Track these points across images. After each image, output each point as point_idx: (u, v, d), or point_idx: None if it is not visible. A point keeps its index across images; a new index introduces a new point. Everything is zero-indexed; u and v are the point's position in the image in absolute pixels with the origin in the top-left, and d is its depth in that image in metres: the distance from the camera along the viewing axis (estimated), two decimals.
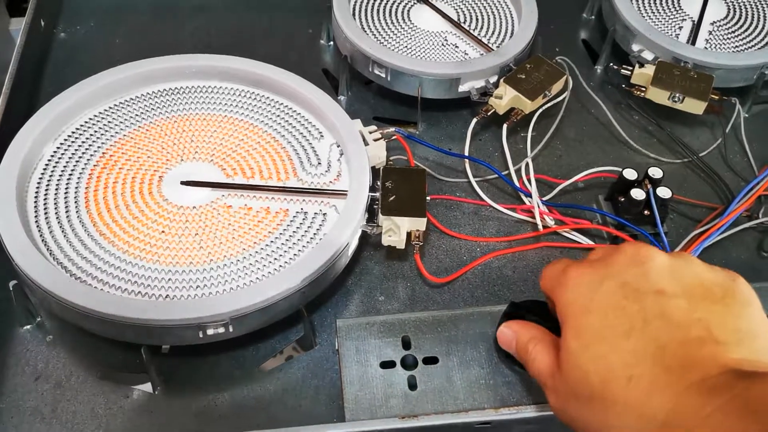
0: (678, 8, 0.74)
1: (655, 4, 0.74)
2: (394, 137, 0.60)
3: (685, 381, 0.33)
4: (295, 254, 0.52)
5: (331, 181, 0.57)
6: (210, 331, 0.47)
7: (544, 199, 0.60)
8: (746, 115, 0.69)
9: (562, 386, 0.38)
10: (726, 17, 0.73)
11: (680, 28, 0.72)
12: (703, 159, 0.66)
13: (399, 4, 0.72)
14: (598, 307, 0.38)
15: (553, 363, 0.40)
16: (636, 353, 0.35)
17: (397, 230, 0.53)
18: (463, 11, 0.72)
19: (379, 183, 0.55)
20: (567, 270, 0.41)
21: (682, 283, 0.37)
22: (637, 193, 0.57)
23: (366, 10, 0.71)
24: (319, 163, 0.58)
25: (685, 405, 0.33)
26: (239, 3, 0.79)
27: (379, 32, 0.69)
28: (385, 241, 0.54)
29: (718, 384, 0.33)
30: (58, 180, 0.55)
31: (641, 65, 0.67)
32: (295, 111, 0.62)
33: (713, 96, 0.65)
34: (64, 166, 0.56)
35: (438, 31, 0.70)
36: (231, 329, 0.48)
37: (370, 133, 0.59)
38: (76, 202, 0.54)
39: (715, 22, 0.72)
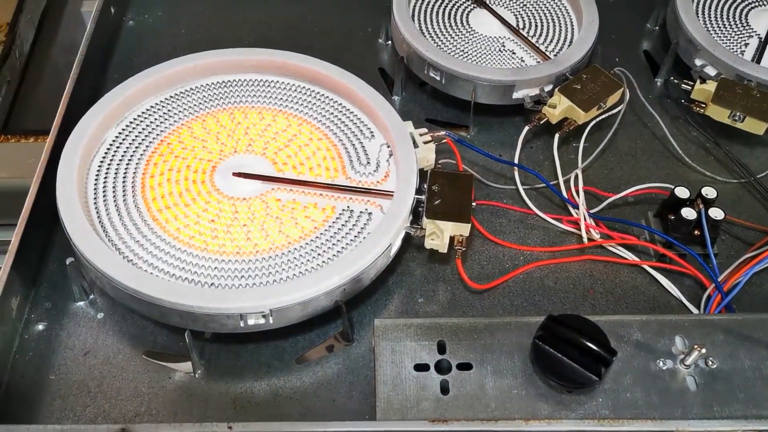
0: (745, 24, 0.72)
1: (722, 18, 0.72)
2: (444, 140, 0.61)
3: None
4: (338, 251, 0.53)
5: (378, 181, 0.58)
6: (251, 321, 0.49)
7: (592, 211, 0.60)
8: None
9: None
10: None
11: (746, 44, 0.70)
12: (761, 180, 0.64)
13: (458, 7, 0.72)
14: None
15: None
16: None
17: (440, 234, 0.54)
18: (523, 17, 0.72)
19: (425, 186, 0.55)
20: None
21: None
22: (688, 213, 0.56)
23: (425, 12, 0.71)
24: (368, 163, 0.59)
25: None
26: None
27: (437, 35, 0.70)
28: (428, 244, 0.54)
29: None
30: (118, 165, 0.57)
31: (703, 81, 0.66)
32: (348, 109, 0.62)
33: None
34: (124, 152, 0.58)
35: (496, 37, 0.70)
36: (271, 320, 0.49)
37: (421, 135, 0.60)
38: (133, 187, 0.56)
39: None
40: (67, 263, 0.53)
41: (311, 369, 0.52)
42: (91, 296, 0.55)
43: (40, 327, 0.54)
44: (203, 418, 0.49)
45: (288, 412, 0.50)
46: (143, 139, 0.59)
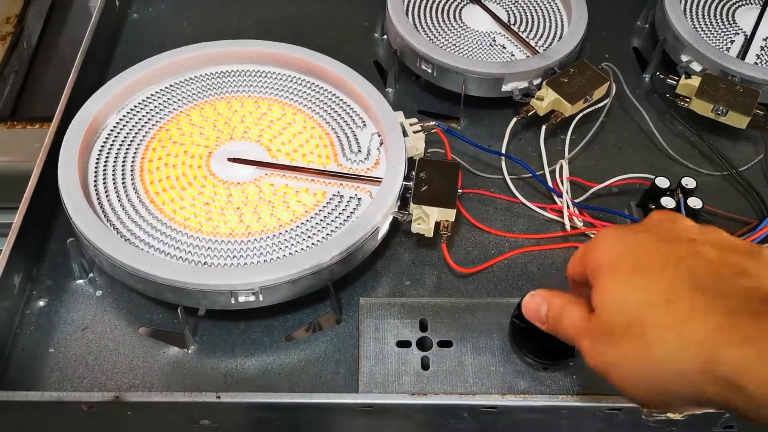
0: (732, 22, 0.74)
1: (709, 16, 0.74)
2: (433, 130, 0.63)
3: (727, 304, 0.34)
4: (327, 234, 0.55)
5: (369, 169, 0.60)
6: (241, 298, 0.51)
7: (576, 200, 0.62)
8: None
9: (597, 327, 0.38)
10: None
11: (732, 41, 0.72)
12: (743, 173, 0.66)
13: (452, 3, 0.75)
14: (632, 249, 0.39)
15: (586, 313, 0.40)
16: (673, 282, 0.36)
17: (426, 219, 0.56)
18: (514, 13, 0.74)
19: (414, 173, 0.57)
20: (598, 233, 0.42)
21: (710, 239, 0.38)
22: (668, 202, 0.58)
23: (419, 7, 0.74)
24: (359, 151, 0.61)
25: (729, 323, 0.33)
26: None
27: (430, 29, 0.72)
28: (414, 228, 0.56)
29: (762, 308, 0.34)
30: (118, 149, 0.60)
31: (688, 76, 0.68)
32: (341, 99, 0.65)
33: (758, 111, 0.65)
34: (125, 137, 0.61)
35: (487, 32, 0.72)
36: (261, 298, 0.51)
37: (411, 125, 0.62)
38: (132, 170, 0.58)
39: None
40: (68, 243, 0.55)
41: (299, 346, 0.54)
42: (91, 275, 0.57)
43: (41, 303, 0.56)
44: (195, 390, 0.51)
45: (276, 386, 0.52)
46: (143, 126, 0.62)
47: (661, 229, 0.40)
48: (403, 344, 0.50)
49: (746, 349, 0.32)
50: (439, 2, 0.74)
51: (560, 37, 0.71)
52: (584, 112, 0.66)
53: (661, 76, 0.69)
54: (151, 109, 0.63)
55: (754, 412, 0.32)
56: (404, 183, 0.57)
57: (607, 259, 0.39)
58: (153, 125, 0.62)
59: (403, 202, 0.57)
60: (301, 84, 0.66)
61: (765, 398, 0.32)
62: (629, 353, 0.36)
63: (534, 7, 0.75)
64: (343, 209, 0.57)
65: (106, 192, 0.57)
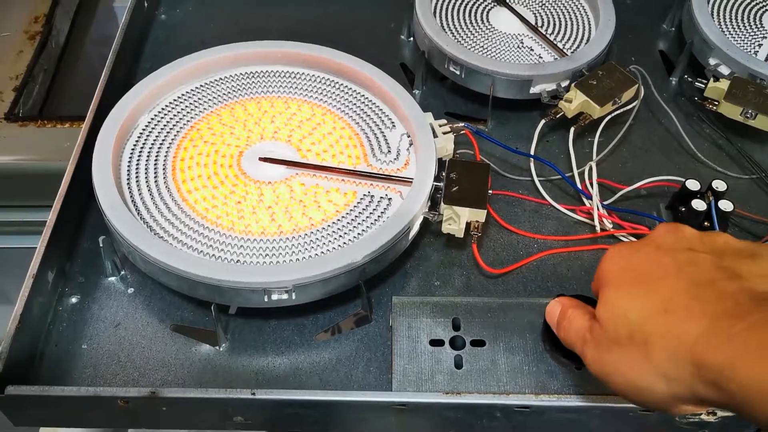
0: (759, 25, 0.73)
1: (736, 19, 0.74)
2: (462, 132, 0.63)
3: (718, 308, 0.36)
4: (359, 233, 0.55)
5: (398, 169, 0.60)
6: (274, 296, 0.51)
7: (605, 203, 0.62)
8: None
9: (601, 334, 0.41)
10: None
11: (760, 45, 0.71)
12: None
13: (479, 5, 0.75)
14: (635, 265, 0.41)
15: (590, 320, 0.42)
16: (672, 291, 0.38)
17: (457, 219, 0.56)
18: (542, 15, 0.74)
19: (444, 174, 0.58)
20: (606, 252, 0.44)
21: (711, 246, 0.41)
22: (698, 204, 0.58)
23: (446, 9, 0.74)
24: (389, 151, 0.61)
25: (717, 326, 0.35)
26: None
27: (458, 31, 0.72)
28: (445, 228, 0.57)
29: (749, 308, 0.35)
30: (150, 148, 0.60)
31: (716, 79, 0.68)
32: (370, 100, 0.65)
33: None
34: (156, 136, 0.61)
35: (515, 34, 0.72)
36: (294, 296, 0.51)
37: (440, 126, 0.62)
38: (164, 169, 0.59)
39: None
40: (100, 240, 0.55)
41: (330, 345, 0.54)
42: (122, 272, 0.58)
43: (74, 300, 0.56)
44: (227, 388, 0.52)
45: (307, 384, 0.52)
46: (174, 125, 0.62)
47: (663, 242, 0.42)
48: (436, 343, 0.50)
49: (728, 351, 0.34)
50: (467, 4, 0.75)
51: (588, 40, 0.72)
52: (612, 114, 0.66)
53: (689, 79, 0.69)
54: (182, 109, 0.63)
55: (745, 411, 0.34)
56: (434, 183, 0.57)
57: (611, 276, 0.42)
58: (184, 125, 0.62)
59: (433, 202, 0.57)
60: (330, 85, 0.66)
61: (748, 398, 0.33)
62: (634, 361, 0.39)
63: (561, 9, 0.75)
64: (374, 209, 0.57)
65: (139, 190, 0.57)
